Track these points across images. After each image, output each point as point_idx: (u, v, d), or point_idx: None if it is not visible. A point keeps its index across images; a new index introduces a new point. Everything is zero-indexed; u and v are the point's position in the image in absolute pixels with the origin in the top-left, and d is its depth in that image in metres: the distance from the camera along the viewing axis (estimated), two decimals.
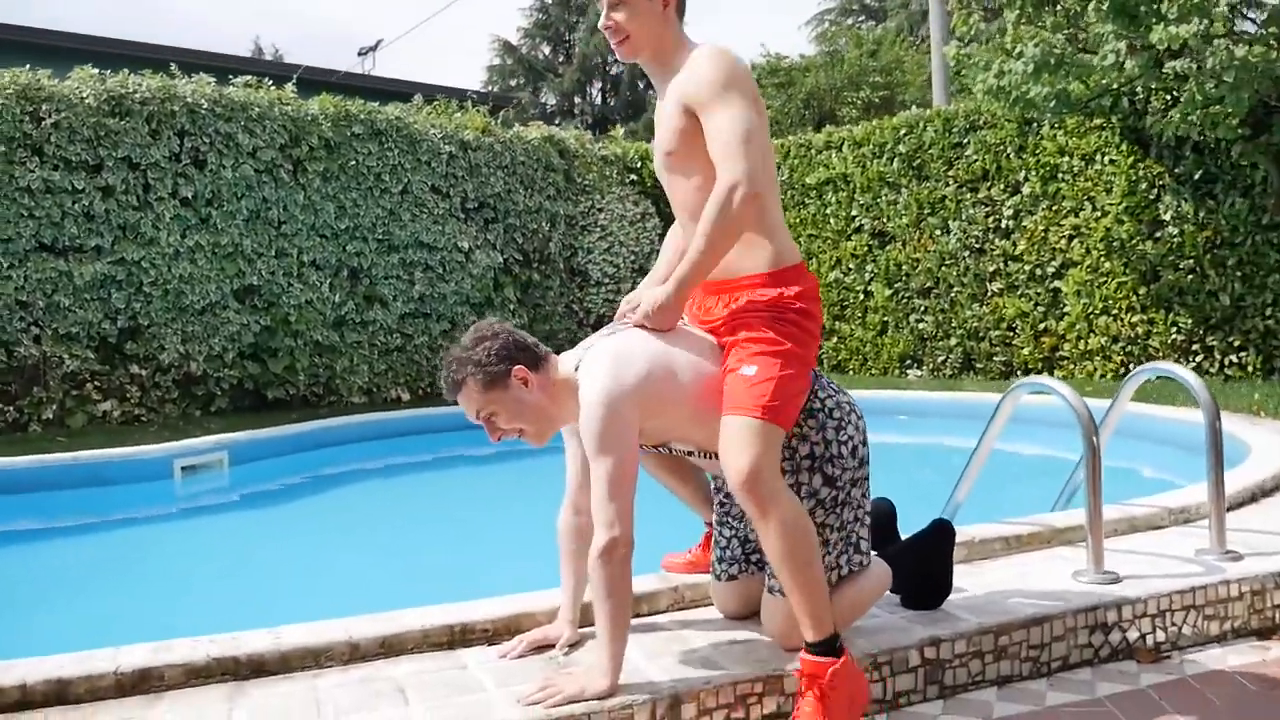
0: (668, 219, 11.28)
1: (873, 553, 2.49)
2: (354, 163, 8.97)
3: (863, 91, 14.80)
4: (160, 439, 6.89)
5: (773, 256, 2.25)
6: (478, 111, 10.44)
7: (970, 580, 2.89)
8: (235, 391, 8.45)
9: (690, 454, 2.41)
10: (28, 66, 7.52)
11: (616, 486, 2.09)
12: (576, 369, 2.26)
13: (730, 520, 2.49)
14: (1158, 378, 4.77)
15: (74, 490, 6.01)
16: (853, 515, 2.35)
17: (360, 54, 21.50)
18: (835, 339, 10.32)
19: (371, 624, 2.48)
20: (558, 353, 2.37)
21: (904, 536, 2.78)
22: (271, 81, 8.86)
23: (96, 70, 7.81)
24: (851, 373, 10.15)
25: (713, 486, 2.56)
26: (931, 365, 9.58)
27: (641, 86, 31.82)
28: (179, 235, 7.99)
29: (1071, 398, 2.86)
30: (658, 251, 11.04)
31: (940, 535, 2.65)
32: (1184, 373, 3.22)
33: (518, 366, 2.24)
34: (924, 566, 2.62)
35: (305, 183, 8.70)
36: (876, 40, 16.20)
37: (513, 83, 32.58)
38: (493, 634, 2.52)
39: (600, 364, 2.18)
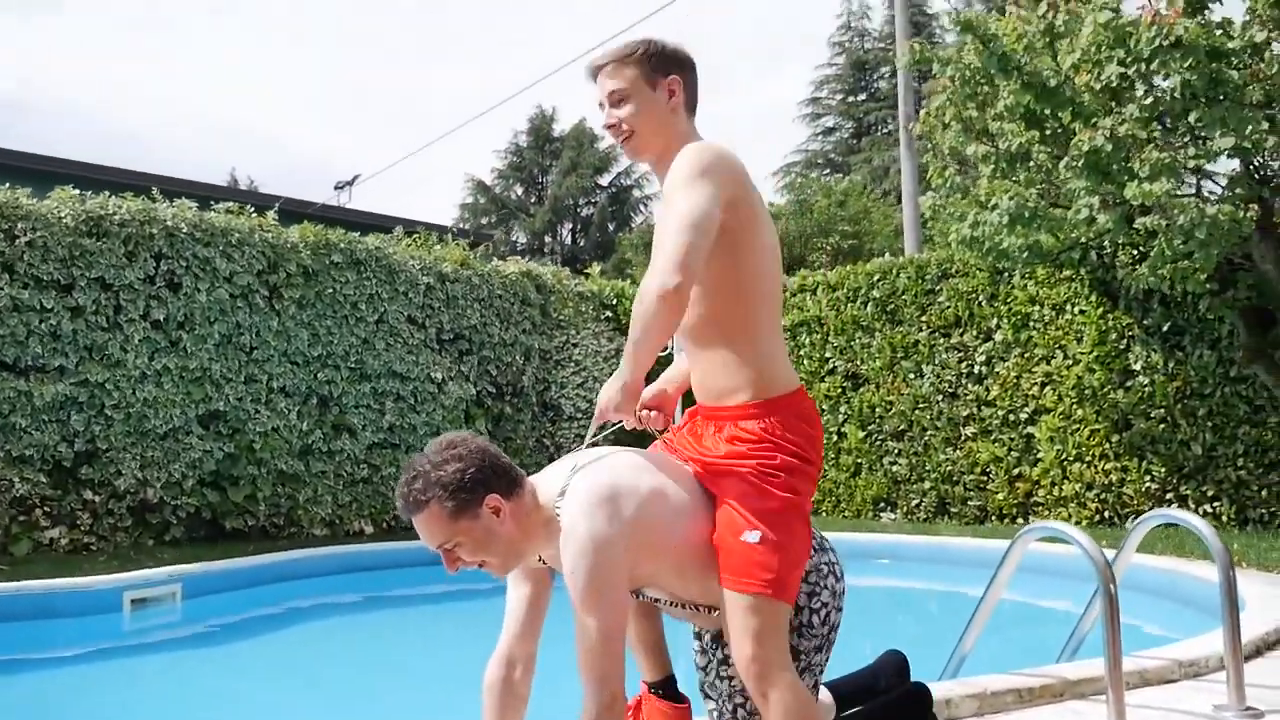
0: None
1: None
2: (331, 290, 8.93)
3: (832, 238, 15.21)
4: (109, 569, 6.57)
5: (762, 383, 2.06)
6: (457, 245, 10.52)
7: None
8: (191, 520, 8.13)
9: (658, 602, 2.19)
10: (6, 185, 7.48)
11: (609, 641, 1.88)
12: (561, 494, 2.03)
13: (720, 685, 2.22)
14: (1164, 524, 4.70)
15: (18, 622, 5.67)
16: (812, 681, 2.14)
17: (337, 188, 21.79)
18: None
19: None
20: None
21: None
22: (253, 209, 8.89)
23: (77, 191, 7.79)
24: (824, 514, 10.03)
25: (695, 648, 2.29)
26: (905, 508, 9.49)
27: (611, 228, 32.54)
28: (147, 358, 7.83)
29: (1088, 545, 2.78)
30: None
31: (915, 701, 2.43)
32: (1194, 520, 3.16)
33: (491, 495, 1.99)
34: None
35: (280, 309, 8.62)
36: (844, 191, 16.76)
37: (485, 220, 33.21)
38: None
39: (589, 502, 1.95)
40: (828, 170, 27.16)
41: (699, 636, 2.25)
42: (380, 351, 9.27)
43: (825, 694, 2.29)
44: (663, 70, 2.17)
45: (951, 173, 7.77)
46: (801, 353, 10.32)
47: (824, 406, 10.10)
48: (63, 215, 7.50)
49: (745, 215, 2.06)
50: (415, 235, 10.48)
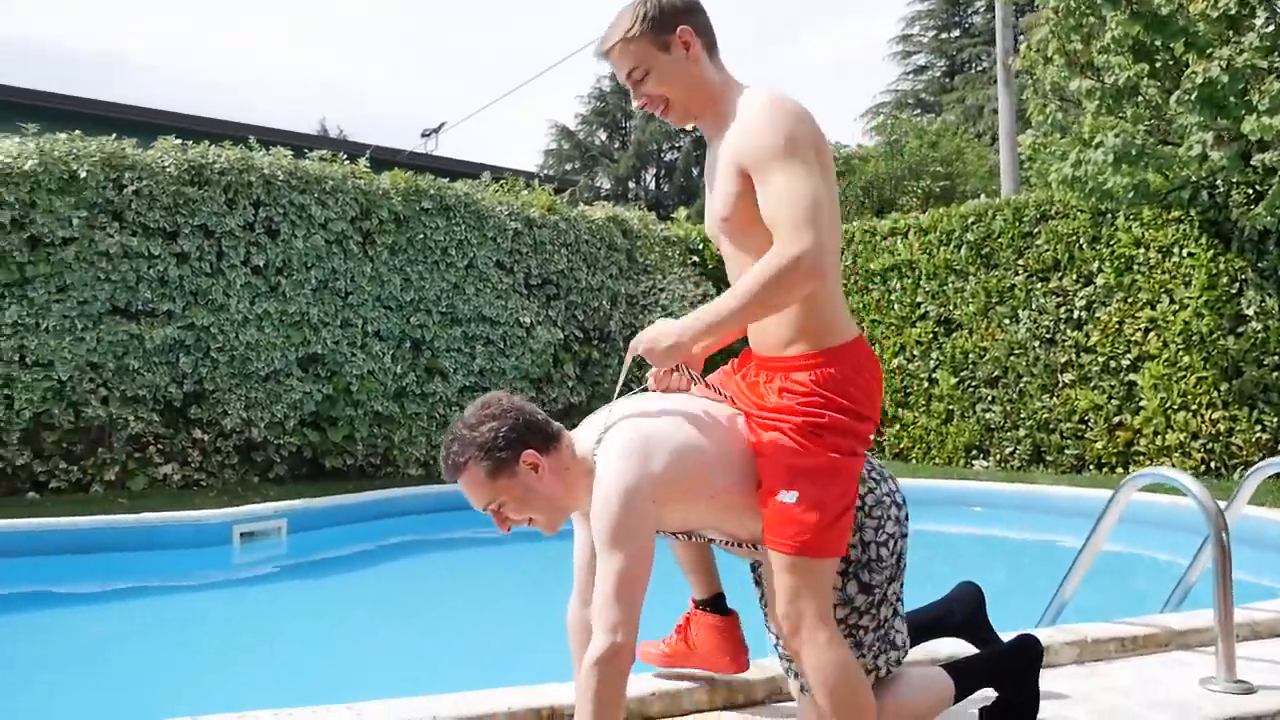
0: None
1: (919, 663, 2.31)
2: (422, 236, 9.06)
3: (923, 181, 14.81)
4: (218, 504, 6.86)
5: (818, 333, 2.00)
6: (543, 190, 10.55)
7: (1088, 684, 2.70)
8: (294, 459, 8.42)
9: (714, 541, 2.18)
10: (114, 135, 7.72)
11: (625, 587, 1.86)
12: (598, 443, 2.03)
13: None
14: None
15: (134, 552, 5.97)
16: (890, 611, 2.12)
17: (424, 135, 22.02)
18: (898, 426, 10.11)
19: (456, 704, 2.34)
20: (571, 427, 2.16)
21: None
22: (346, 157, 9.03)
23: (179, 141, 8.01)
24: (914, 461, 9.91)
25: (752, 578, 2.27)
26: (999, 456, 9.32)
27: (695, 173, 32.24)
28: (248, 302, 8.07)
29: (1200, 493, 2.69)
30: None
31: (1024, 655, 2.36)
32: None
33: (528, 451, 2.00)
34: (1005, 689, 2.34)
35: (374, 255, 8.79)
36: (937, 132, 16.26)
37: (569, 166, 33.19)
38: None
39: (621, 448, 1.95)
40: (918, 110, 26.38)
41: (754, 568, 2.23)
42: (470, 296, 9.40)
43: (938, 674, 2.27)
44: (669, 27, 2.04)
45: (1053, 110, 7.48)
46: (892, 297, 10.14)
47: (915, 352, 9.93)
48: (166, 164, 7.73)
49: (825, 165, 1.99)
50: (502, 181, 10.53)
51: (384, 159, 11.61)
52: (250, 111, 57.18)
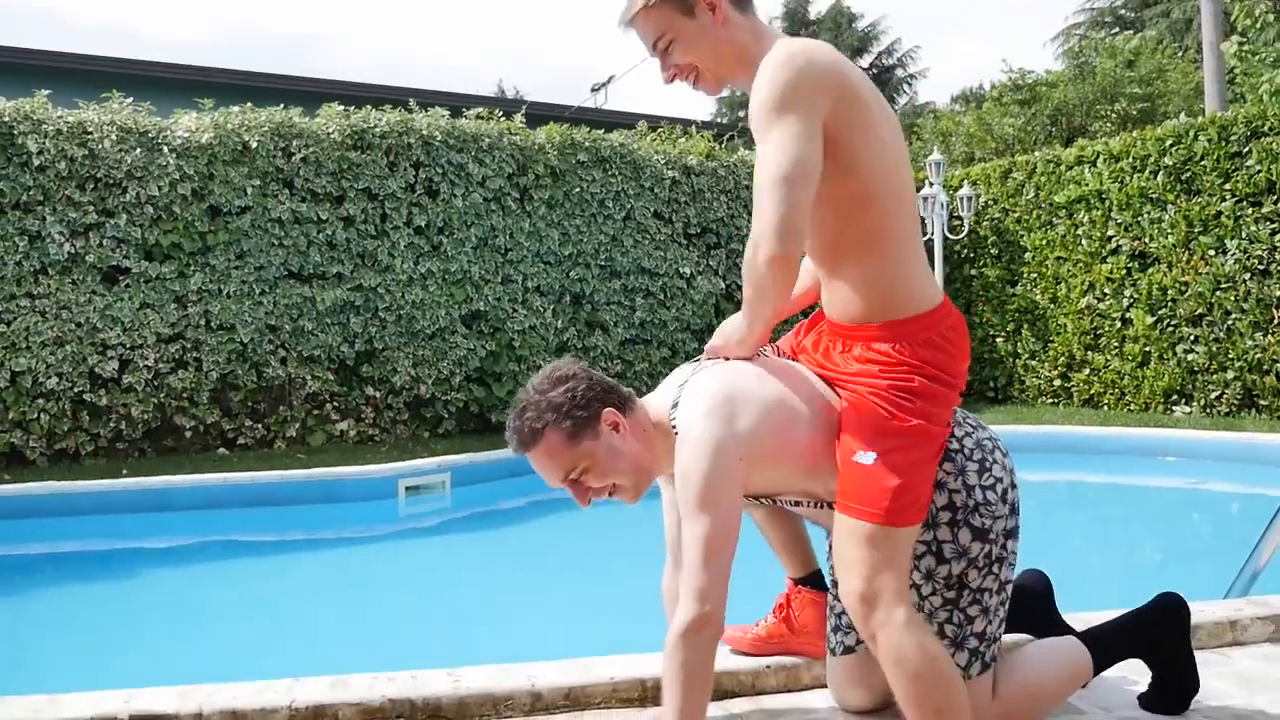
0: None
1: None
2: (578, 190, 9.02)
3: (1118, 104, 13.60)
4: (390, 459, 7.09)
5: (898, 304, 1.85)
6: (701, 137, 10.31)
7: None
8: (461, 414, 8.63)
9: (799, 504, 2.00)
10: (282, 106, 8.02)
11: (715, 552, 1.72)
12: (674, 407, 1.89)
13: None
14: None
15: (309, 505, 6.26)
16: (1009, 574, 1.91)
17: (593, 90, 22.03)
18: (1088, 370, 9.39)
19: (557, 672, 2.24)
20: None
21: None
22: (502, 114, 9.07)
23: (342, 107, 8.24)
24: (1107, 408, 9.19)
25: (829, 545, 2.10)
26: (1203, 401, 8.50)
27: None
28: (412, 263, 8.27)
29: None
30: None
31: (1172, 616, 2.06)
32: None
33: (607, 409, 1.90)
34: (1154, 660, 2.06)
35: (531, 210, 8.83)
36: (1134, 50, 14.89)
37: (741, 113, 32.63)
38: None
39: (707, 404, 1.81)
40: (1116, 29, 24.31)
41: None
42: (629, 248, 9.32)
43: (1071, 643, 2.01)
44: None
45: (1263, 11, 6.62)
46: (1079, 231, 9.37)
47: (1105, 290, 9.16)
48: (330, 131, 7.97)
49: (853, 117, 1.78)
50: (659, 130, 10.36)
51: (545, 114, 11.64)
52: (429, 77, 59.25)
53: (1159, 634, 2.05)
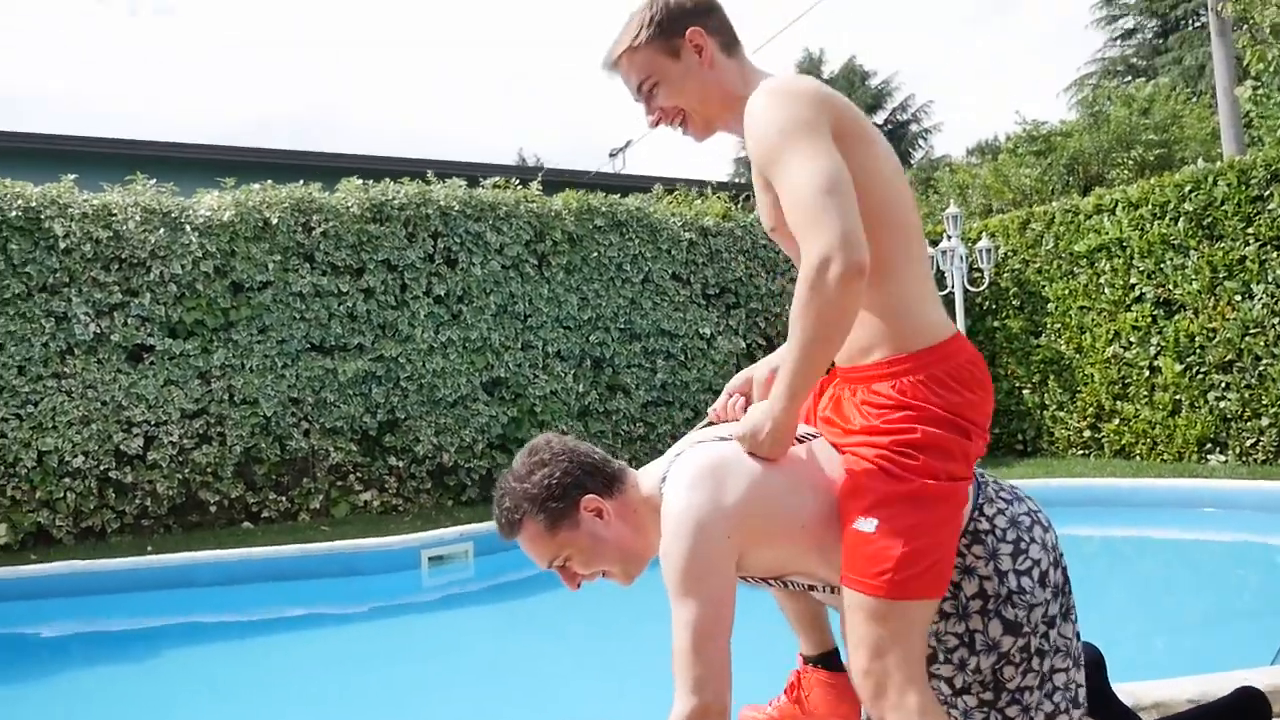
0: None
1: None
2: (596, 254, 9.08)
3: (1134, 151, 13.60)
4: (414, 528, 7.06)
5: (902, 335, 1.71)
6: (718, 198, 10.38)
7: None
8: (484, 481, 8.60)
9: (813, 590, 1.87)
10: (301, 182, 8.15)
11: (704, 639, 1.59)
12: (663, 479, 1.77)
13: None
14: None
15: (331, 579, 6.22)
16: (1062, 662, 1.72)
17: (611, 155, 22.33)
18: (1117, 420, 9.25)
19: None
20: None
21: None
22: (519, 182, 9.18)
23: (360, 181, 8.36)
24: (1139, 458, 9.03)
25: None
26: (1238, 449, 8.33)
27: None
28: (432, 331, 8.32)
29: None
30: None
31: (1249, 713, 1.92)
32: None
33: (587, 496, 1.79)
34: None
35: (549, 276, 8.88)
36: (1148, 98, 14.94)
37: None
38: None
39: (690, 478, 1.69)
40: (1129, 77, 24.43)
41: None
42: (648, 310, 9.33)
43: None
44: (678, 30, 1.82)
45: (1276, 55, 6.62)
46: (1101, 280, 9.30)
47: (1131, 339, 9.06)
48: (350, 205, 8.08)
49: (849, 142, 1.69)
50: (675, 192, 10.44)
51: (563, 180, 11.78)
52: (449, 149, 60.45)
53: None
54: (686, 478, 1.70)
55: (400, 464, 8.22)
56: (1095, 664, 2.09)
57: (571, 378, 8.92)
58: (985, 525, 1.72)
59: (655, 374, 9.36)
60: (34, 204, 7.13)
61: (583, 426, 8.92)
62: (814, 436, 1.83)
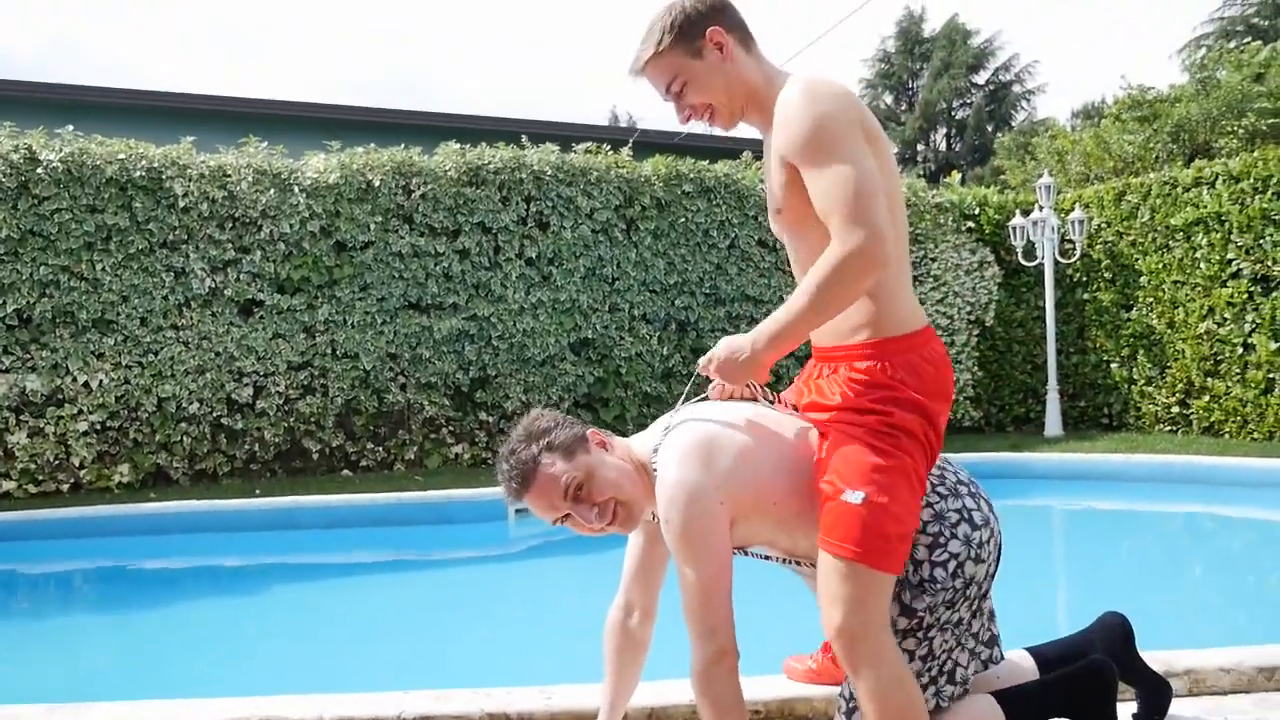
0: (1007, 267, 10.57)
1: (974, 689, 2.01)
2: (683, 219, 9.24)
3: (1246, 119, 13.09)
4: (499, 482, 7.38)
5: (883, 320, 1.89)
6: None
7: None
8: None
9: (768, 558, 2.08)
10: (403, 145, 8.48)
11: (709, 595, 1.81)
12: (656, 451, 1.96)
13: None
14: None
15: (423, 526, 6.60)
16: (952, 640, 1.92)
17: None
18: (1208, 398, 9.09)
19: (640, 693, 2.41)
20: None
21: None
22: (609, 146, 9.37)
23: (458, 145, 8.66)
24: (1228, 436, 8.88)
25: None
26: None
27: (991, 129, 30.46)
28: (523, 293, 8.61)
29: None
30: (996, 302, 10.39)
31: (1096, 679, 2.04)
32: None
33: (592, 429, 2.02)
34: (1078, 712, 2.04)
35: (637, 240, 9.08)
36: (1263, 62, 14.29)
37: None
38: (764, 716, 2.37)
39: (682, 450, 1.89)
40: (1249, 38, 23.30)
41: None
42: (733, 276, 9.48)
43: (984, 700, 2.02)
44: (698, 31, 1.95)
45: None
46: (1197, 254, 9.10)
47: (1225, 315, 8.87)
48: (448, 169, 8.39)
49: (872, 142, 1.86)
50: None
51: (653, 143, 11.93)
52: (539, 106, 60.74)
53: (1088, 696, 2.04)
54: (679, 451, 1.90)
55: (490, 419, 8.57)
56: (1124, 633, 2.23)
57: (656, 340, 9.14)
58: (919, 517, 1.89)
59: None
60: (156, 164, 7.60)
61: (665, 389, 9.15)
62: (797, 422, 2.01)
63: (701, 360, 1.97)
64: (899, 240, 1.90)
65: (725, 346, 1.91)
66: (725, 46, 1.97)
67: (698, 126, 2.11)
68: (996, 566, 1.97)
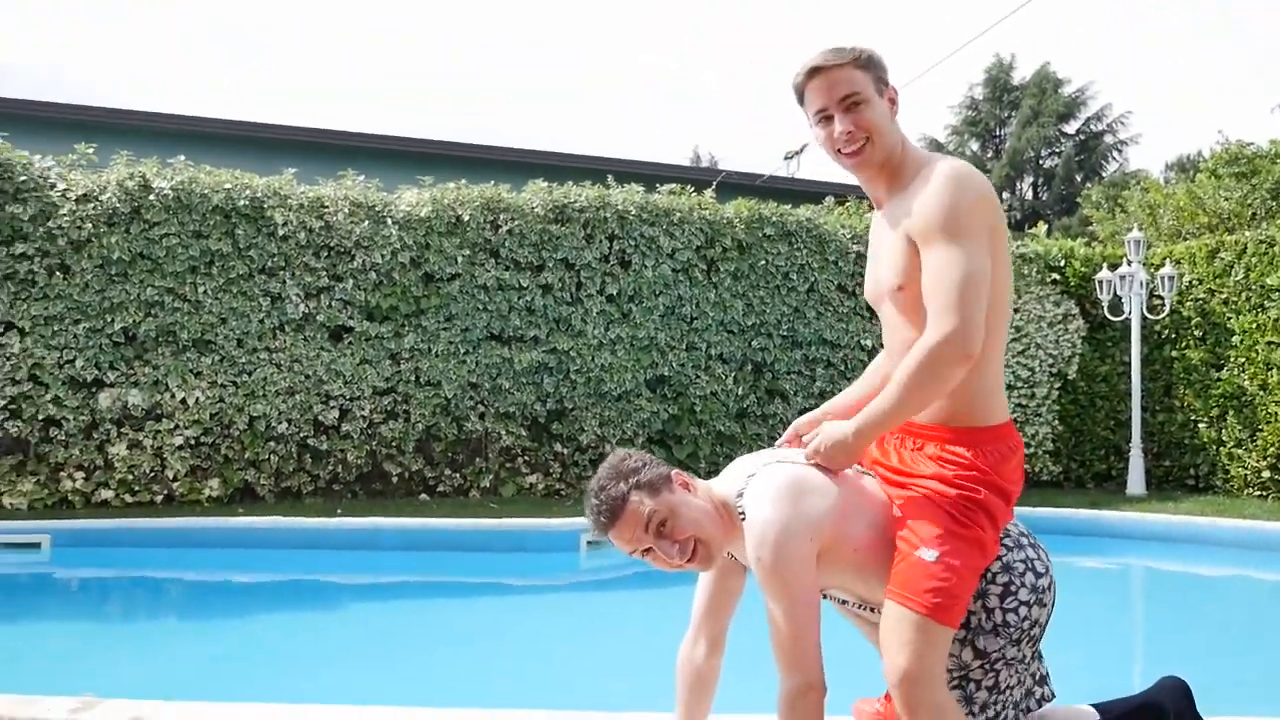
0: (1092, 320, 10.39)
1: None
2: (763, 262, 9.32)
3: None
4: (574, 513, 7.49)
5: (978, 412, 2.03)
6: None
7: None
8: None
9: (845, 604, 2.17)
10: (492, 182, 8.74)
11: (798, 630, 1.90)
12: (739, 496, 2.05)
13: None
14: None
15: (498, 553, 6.72)
16: (1014, 679, 2.05)
17: (786, 158, 22.41)
18: None
19: None
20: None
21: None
22: (693, 188, 9.51)
23: (545, 183, 8.89)
24: None
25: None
26: None
27: (1080, 179, 29.97)
28: (603, 328, 8.77)
29: None
30: (1079, 355, 10.22)
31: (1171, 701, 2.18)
32: None
33: (676, 471, 2.10)
34: None
35: (717, 281, 9.18)
36: None
37: None
38: None
39: (776, 490, 1.98)
40: None
41: None
42: (811, 320, 9.50)
43: (1082, 710, 2.15)
44: (885, 78, 2.09)
45: None
46: None
47: None
48: (534, 206, 8.62)
49: (998, 245, 1.98)
50: (846, 203, 10.54)
51: (736, 184, 12.06)
52: (620, 142, 61.49)
53: None
54: (771, 490, 1.99)
55: (565, 451, 8.71)
56: (1185, 695, 2.27)
57: (732, 380, 9.20)
58: (978, 584, 2.00)
59: (814, 381, 9.53)
60: (259, 194, 7.96)
61: (739, 428, 9.19)
62: (868, 475, 2.14)
63: (808, 450, 2.08)
64: (997, 339, 2.02)
65: (828, 436, 2.05)
66: (895, 104, 2.10)
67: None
68: (1052, 610, 2.09)
